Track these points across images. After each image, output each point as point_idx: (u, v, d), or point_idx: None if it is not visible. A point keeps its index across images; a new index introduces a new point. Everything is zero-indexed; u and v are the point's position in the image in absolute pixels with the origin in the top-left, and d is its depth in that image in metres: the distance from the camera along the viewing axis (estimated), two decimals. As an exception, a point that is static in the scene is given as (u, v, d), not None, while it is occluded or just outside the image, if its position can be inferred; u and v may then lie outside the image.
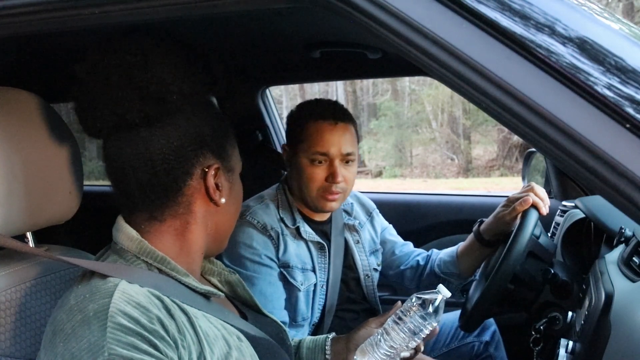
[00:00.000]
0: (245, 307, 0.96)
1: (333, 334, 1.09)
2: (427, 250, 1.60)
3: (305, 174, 1.37)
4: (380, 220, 1.64)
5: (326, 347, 1.06)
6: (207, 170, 0.80)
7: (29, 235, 0.94)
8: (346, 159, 1.36)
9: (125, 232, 0.79)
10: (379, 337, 0.95)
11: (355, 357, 0.96)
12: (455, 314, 1.53)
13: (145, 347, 0.65)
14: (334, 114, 1.36)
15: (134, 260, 0.77)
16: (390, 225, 1.66)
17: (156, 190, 0.78)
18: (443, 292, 0.94)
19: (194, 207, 0.81)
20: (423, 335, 0.93)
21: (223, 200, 0.83)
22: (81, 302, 0.70)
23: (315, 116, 1.37)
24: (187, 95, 0.78)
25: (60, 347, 0.67)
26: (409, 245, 1.64)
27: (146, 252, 0.77)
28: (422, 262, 1.55)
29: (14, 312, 0.84)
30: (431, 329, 0.93)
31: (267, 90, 2.23)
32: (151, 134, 0.77)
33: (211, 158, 0.81)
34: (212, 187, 0.81)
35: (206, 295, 0.81)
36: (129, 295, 0.69)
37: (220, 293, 0.84)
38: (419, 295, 0.94)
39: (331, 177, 1.34)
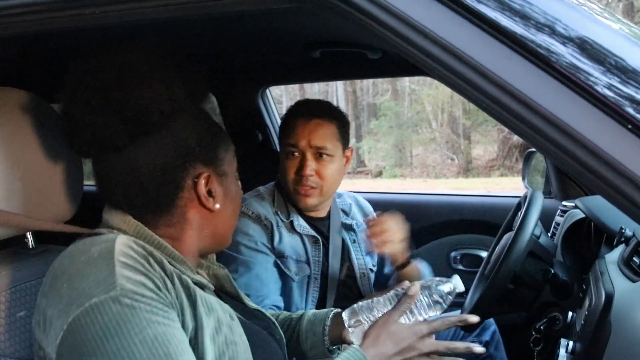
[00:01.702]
0: (232, 300, 0.96)
1: (337, 310, 1.09)
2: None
3: (283, 168, 1.41)
4: None
5: (326, 321, 1.06)
6: (196, 180, 0.80)
7: (28, 235, 0.94)
8: (319, 153, 1.38)
9: (119, 215, 0.78)
10: (374, 303, 0.93)
11: (344, 313, 0.96)
12: (455, 314, 1.53)
13: (151, 286, 0.67)
14: (311, 110, 1.40)
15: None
16: None
17: (148, 205, 0.79)
18: (455, 284, 0.92)
19: (188, 215, 0.81)
20: (420, 318, 0.91)
21: (217, 206, 0.82)
22: (82, 246, 0.71)
23: (294, 113, 1.42)
24: (169, 111, 0.77)
25: (65, 287, 0.67)
26: None
27: (143, 235, 0.77)
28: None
29: (13, 312, 0.84)
30: (427, 316, 0.91)
31: (267, 90, 2.23)
32: (136, 153, 0.77)
33: (200, 167, 0.80)
34: (203, 195, 0.80)
35: (199, 286, 0.82)
36: (129, 245, 0.70)
37: (211, 286, 0.85)
38: (428, 281, 0.92)
39: (300, 169, 1.37)
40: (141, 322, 0.64)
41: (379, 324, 0.89)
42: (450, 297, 0.92)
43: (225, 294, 0.97)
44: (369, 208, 1.65)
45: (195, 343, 0.71)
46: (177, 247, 0.81)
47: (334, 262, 1.46)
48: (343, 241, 1.52)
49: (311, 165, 1.37)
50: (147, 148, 0.77)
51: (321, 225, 1.49)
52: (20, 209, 0.85)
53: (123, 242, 0.70)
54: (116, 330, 0.63)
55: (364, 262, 1.54)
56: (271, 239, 1.39)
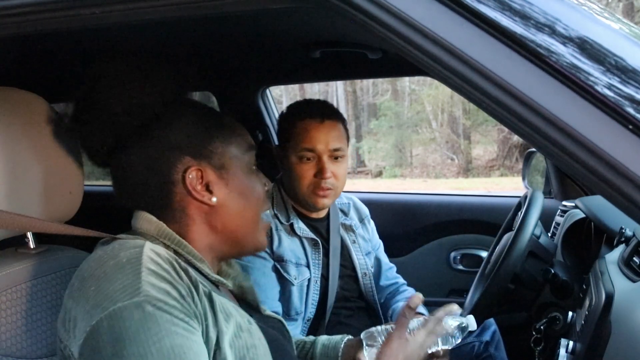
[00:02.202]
0: (250, 309, 0.97)
1: (350, 337, 1.10)
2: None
3: (295, 172, 1.39)
4: (372, 229, 1.65)
5: (340, 344, 1.07)
6: (184, 174, 0.80)
7: (29, 235, 0.94)
8: (334, 155, 1.38)
9: (144, 217, 0.81)
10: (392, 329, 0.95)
11: (362, 333, 0.97)
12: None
13: (175, 295, 0.68)
14: (321, 112, 1.39)
15: (153, 240, 0.79)
16: (381, 242, 1.67)
17: (148, 204, 0.81)
18: (469, 322, 0.94)
19: (189, 210, 0.82)
20: (429, 350, 0.93)
21: (214, 199, 0.82)
22: (111, 251, 0.72)
23: (302, 115, 1.39)
24: (149, 114, 0.80)
25: (92, 290, 0.68)
26: (392, 270, 1.65)
27: (164, 234, 0.80)
28: (389, 298, 1.58)
29: (14, 312, 0.84)
30: (438, 348, 0.93)
31: (267, 90, 2.23)
32: (128, 157, 0.81)
33: (190, 161, 0.81)
34: (194, 189, 0.81)
35: (216, 285, 0.83)
36: (157, 252, 0.72)
37: (229, 283, 0.86)
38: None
39: (320, 173, 1.37)
40: (160, 332, 0.64)
41: (394, 346, 0.89)
42: (461, 332, 0.94)
43: (246, 303, 0.98)
44: (364, 211, 1.65)
45: (217, 349, 0.71)
46: (191, 245, 0.82)
47: (334, 263, 1.46)
48: (342, 242, 1.52)
49: (329, 167, 1.37)
50: (138, 149, 0.80)
51: (320, 227, 1.48)
52: (20, 209, 0.85)
53: (151, 249, 0.72)
54: (135, 337, 0.64)
55: (364, 262, 1.54)
56: (270, 242, 1.38)
